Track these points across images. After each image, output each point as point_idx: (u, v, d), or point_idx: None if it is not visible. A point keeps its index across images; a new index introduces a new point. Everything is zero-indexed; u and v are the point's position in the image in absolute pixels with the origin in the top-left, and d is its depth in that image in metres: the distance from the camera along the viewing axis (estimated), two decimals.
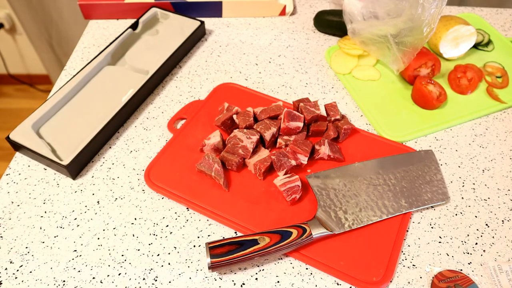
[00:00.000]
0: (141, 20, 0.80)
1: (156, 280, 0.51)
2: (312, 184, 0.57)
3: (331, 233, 0.53)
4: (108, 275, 0.51)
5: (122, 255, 0.53)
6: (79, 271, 0.52)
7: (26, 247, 0.54)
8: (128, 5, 0.85)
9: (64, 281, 0.51)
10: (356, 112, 0.70)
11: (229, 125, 0.64)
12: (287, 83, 0.75)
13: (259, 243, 0.49)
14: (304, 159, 0.59)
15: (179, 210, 0.57)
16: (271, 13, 0.88)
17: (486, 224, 0.56)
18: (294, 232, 0.51)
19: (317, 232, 0.52)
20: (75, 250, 0.53)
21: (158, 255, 0.53)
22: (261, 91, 0.73)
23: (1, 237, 0.55)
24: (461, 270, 0.52)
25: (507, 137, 0.66)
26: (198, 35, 0.82)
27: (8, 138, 0.62)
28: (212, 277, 0.51)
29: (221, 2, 0.85)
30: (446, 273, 0.51)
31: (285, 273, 0.52)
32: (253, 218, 0.55)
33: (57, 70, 1.67)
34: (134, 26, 0.79)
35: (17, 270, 0.52)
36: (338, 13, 0.81)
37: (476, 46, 0.79)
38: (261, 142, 0.62)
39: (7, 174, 0.62)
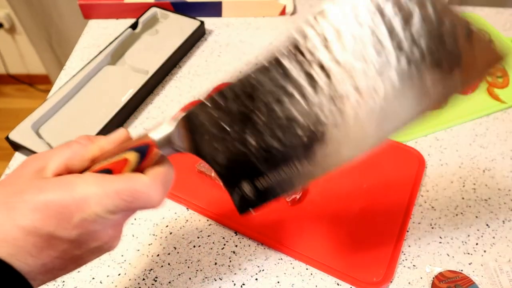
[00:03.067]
0: (141, 20, 0.80)
1: (156, 281, 0.51)
2: None
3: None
4: (107, 276, 0.51)
5: (122, 256, 0.53)
6: (78, 271, 0.51)
7: None
8: (128, 5, 0.85)
9: (63, 281, 0.51)
10: None
11: None
12: None
13: None
14: None
15: (179, 210, 0.57)
16: (271, 13, 0.87)
17: (487, 225, 0.56)
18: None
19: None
20: None
21: (158, 255, 0.53)
22: None
23: None
24: (461, 270, 0.51)
25: (508, 137, 0.66)
26: (198, 35, 0.82)
27: (7, 138, 0.62)
28: (212, 277, 0.51)
29: (220, 2, 0.85)
30: (447, 274, 0.50)
31: (285, 273, 0.51)
32: (253, 218, 0.55)
33: (56, 70, 1.66)
34: (134, 26, 0.79)
35: None
36: None
37: None
38: None
39: (6, 175, 0.62)
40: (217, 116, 0.35)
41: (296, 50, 0.34)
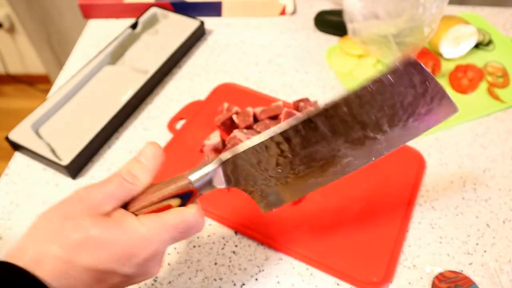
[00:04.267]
0: (140, 20, 0.80)
1: (155, 281, 0.51)
2: None
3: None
4: None
5: None
6: None
7: None
8: (128, 5, 0.85)
9: None
10: None
11: (229, 125, 0.64)
12: (287, 83, 0.74)
13: None
14: None
15: None
16: (271, 13, 0.87)
17: (487, 225, 0.56)
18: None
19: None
20: None
21: None
22: (261, 91, 0.72)
23: (0, 237, 0.55)
24: (462, 270, 0.51)
25: (508, 137, 0.66)
26: (198, 35, 0.82)
27: (7, 138, 0.62)
28: (212, 277, 0.51)
29: (220, 3, 0.85)
30: (447, 274, 0.50)
31: (285, 273, 0.51)
32: (253, 218, 0.55)
33: (56, 70, 1.66)
34: (134, 26, 0.79)
35: None
36: (339, 13, 0.81)
37: (477, 46, 0.79)
38: None
39: (6, 174, 0.62)
40: (250, 156, 0.40)
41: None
